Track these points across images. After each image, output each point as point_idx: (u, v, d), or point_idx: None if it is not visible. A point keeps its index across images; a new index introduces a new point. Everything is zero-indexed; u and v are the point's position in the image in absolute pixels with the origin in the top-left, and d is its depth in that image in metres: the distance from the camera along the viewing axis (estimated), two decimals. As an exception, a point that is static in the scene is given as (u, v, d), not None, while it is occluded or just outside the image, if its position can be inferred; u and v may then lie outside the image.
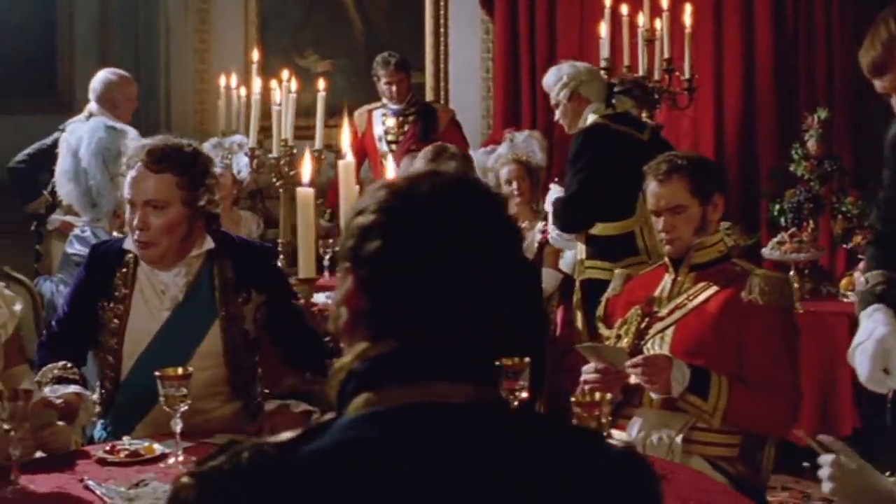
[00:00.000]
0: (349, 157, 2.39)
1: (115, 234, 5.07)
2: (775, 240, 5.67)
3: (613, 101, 5.61)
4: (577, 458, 1.48)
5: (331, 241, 6.12)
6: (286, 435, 1.43)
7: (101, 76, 5.88)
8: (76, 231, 5.05)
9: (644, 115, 6.09)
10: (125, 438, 3.14)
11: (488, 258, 1.48)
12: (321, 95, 5.81)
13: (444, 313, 1.46)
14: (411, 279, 1.45)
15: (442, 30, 7.60)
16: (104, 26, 7.49)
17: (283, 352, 3.59)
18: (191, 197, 3.37)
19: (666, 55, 6.14)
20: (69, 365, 3.37)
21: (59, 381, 3.31)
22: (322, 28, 7.76)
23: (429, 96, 7.52)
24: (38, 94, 7.52)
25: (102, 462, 2.95)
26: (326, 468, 1.38)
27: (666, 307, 3.41)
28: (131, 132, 5.13)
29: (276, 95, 6.42)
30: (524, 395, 3.00)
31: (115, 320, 3.44)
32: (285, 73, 5.84)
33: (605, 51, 6.17)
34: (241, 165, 6.22)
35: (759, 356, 3.21)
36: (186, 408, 2.98)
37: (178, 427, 2.96)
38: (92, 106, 5.73)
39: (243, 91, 6.79)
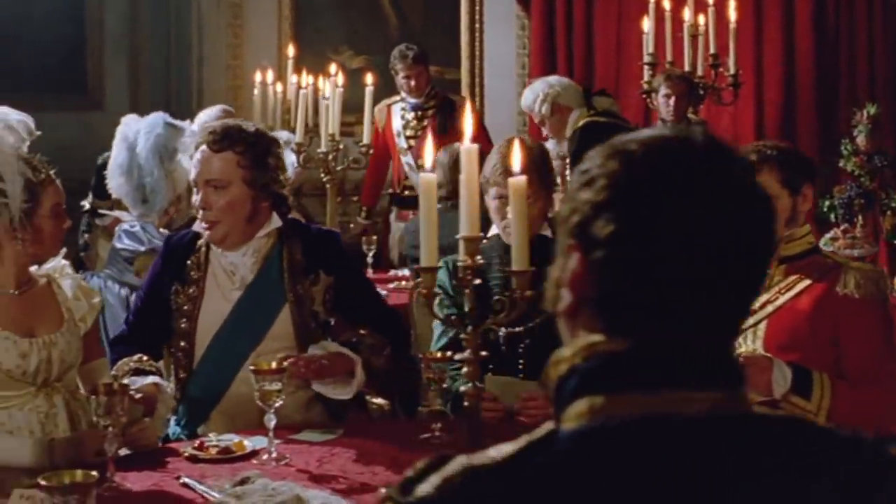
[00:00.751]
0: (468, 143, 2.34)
1: (162, 230, 4.99)
2: (828, 236, 5.63)
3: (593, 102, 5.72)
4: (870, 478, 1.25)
5: (374, 237, 6.06)
6: (499, 450, 1.23)
7: (214, 113, 5.86)
8: (125, 226, 4.95)
9: (689, 110, 6.08)
10: (211, 435, 3.07)
11: (746, 241, 1.26)
12: (369, 90, 5.78)
13: (694, 307, 1.25)
14: (656, 266, 1.24)
15: (477, 25, 7.55)
16: (134, 22, 7.41)
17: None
18: (252, 176, 3.34)
19: (711, 50, 6.10)
20: (145, 357, 3.31)
21: (136, 373, 3.24)
22: (356, 23, 7.70)
23: (464, 92, 7.48)
24: (68, 92, 7.44)
25: (193, 459, 2.89)
26: (554, 492, 1.18)
27: (756, 301, 3.34)
28: (188, 129, 5.06)
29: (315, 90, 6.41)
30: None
31: (189, 304, 3.40)
32: (333, 68, 5.78)
33: (649, 46, 6.13)
34: (287, 163, 6.13)
35: (859, 350, 3.15)
36: (281, 403, 2.92)
37: (272, 423, 2.90)
38: None
39: (279, 87, 6.74)
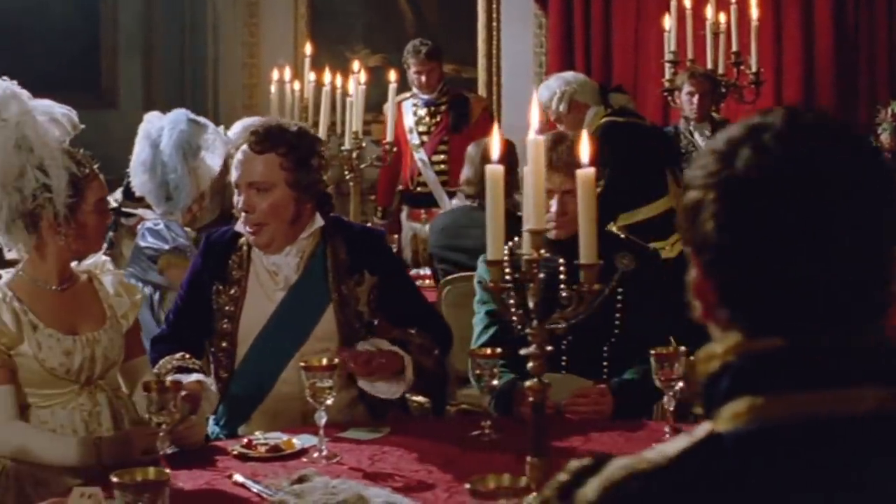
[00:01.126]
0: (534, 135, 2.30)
1: (186, 228, 4.94)
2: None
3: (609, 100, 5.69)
4: None
5: (395, 237, 6.02)
6: (660, 453, 1.20)
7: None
8: (148, 224, 4.89)
9: (712, 109, 6.06)
10: (257, 433, 3.02)
11: (883, 222, 1.22)
12: (392, 87, 5.74)
13: (843, 298, 1.20)
14: (794, 261, 1.19)
15: (494, 24, 7.51)
16: (149, 21, 7.35)
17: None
18: (296, 178, 3.28)
19: (734, 48, 6.07)
20: (187, 355, 3.27)
21: (179, 370, 3.20)
22: (372, 22, 7.66)
23: (481, 91, 7.44)
24: (82, 91, 7.37)
25: (243, 457, 2.84)
26: (723, 496, 1.16)
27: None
28: (211, 126, 5.01)
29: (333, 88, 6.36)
30: (679, 385, 2.91)
31: (231, 304, 3.35)
32: (356, 65, 5.74)
33: (671, 44, 6.10)
34: None
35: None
36: (332, 401, 2.87)
37: (322, 420, 2.86)
38: None
39: (297, 85, 6.70)
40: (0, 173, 2.91)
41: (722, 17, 6.18)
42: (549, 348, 2.41)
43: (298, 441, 2.93)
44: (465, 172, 5.03)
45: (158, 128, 4.98)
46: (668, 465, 1.18)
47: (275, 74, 6.68)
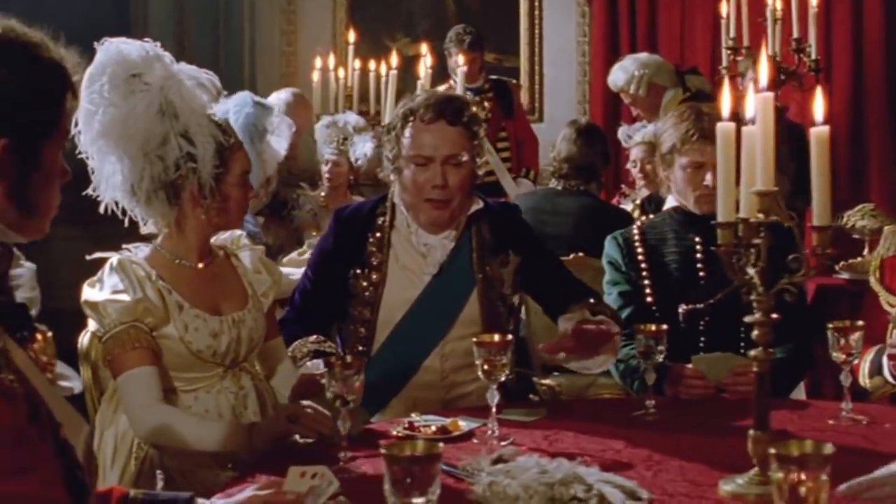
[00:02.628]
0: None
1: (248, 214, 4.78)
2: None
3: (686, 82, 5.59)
4: None
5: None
6: None
7: (285, 97, 5.67)
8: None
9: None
10: (413, 415, 2.87)
11: None
12: (427, 74, 5.57)
13: None
14: None
15: (537, 13, 7.40)
16: (181, 8, 7.14)
17: (549, 306, 3.33)
18: (475, 150, 3.19)
19: (794, 34, 5.97)
20: (322, 338, 3.11)
21: (316, 355, 3.05)
22: (413, 9, 7.51)
23: (523, 80, 7.33)
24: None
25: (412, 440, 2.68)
26: None
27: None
28: (276, 109, 4.86)
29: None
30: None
31: (371, 290, 3.19)
32: (424, 48, 5.61)
33: (731, 30, 5.99)
34: (360, 153, 5.94)
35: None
36: (505, 378, 2.73)
37: (494, 399, 2.71)
38: None
39: (341, 73, 6.56)
40: (142, 140, 2.73)
41: (779, 4, 6.08)
42: (774, 316, 2.28)
43: (464, 422, 2.79)
44: (561, 151, 4.88)
45: (223, 111, 4.81)
46: None
47: (317, 62, 6.54)
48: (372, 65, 6.48)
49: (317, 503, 2.00)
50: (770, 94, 2.25)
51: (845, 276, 5.35)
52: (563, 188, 4.83)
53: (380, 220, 3.25)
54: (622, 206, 5.77)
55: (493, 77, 6.76)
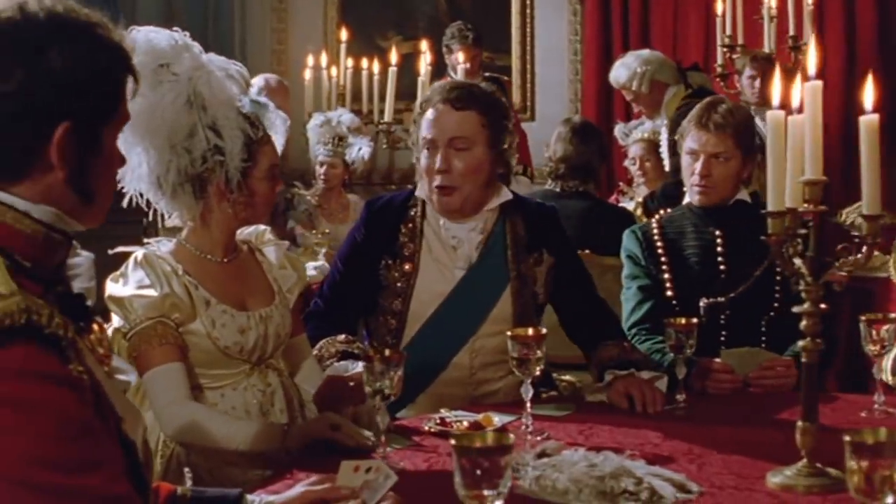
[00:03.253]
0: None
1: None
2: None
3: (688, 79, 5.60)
4: None
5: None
6: None
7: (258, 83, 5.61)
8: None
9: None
10: (442, 410, 2.83)
11: None
12: (427, 71, 5.57)
13: None
14: None
15: (528, 10, 7.39)
16: (170, 6, 7.06)
17: (569, 322, 3.31)
18: (494, 138, 3.14)
19: (790, 32, 5.99)
20: (351, 338, 3.07)
21: (344, 356, 3.00)
22: (405, 9, 7.47)
23: (514, 78, 7.32)
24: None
25: (446, 436, 2.64)
26: None
27: None
28: (272, 105, 4.81)
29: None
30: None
31: (403, 281, 3.15)
32: (424, 44, 5.59)
33: (728, 28, 6.00)
34: (357, 156, 5.90)
35: None
36: (539, 372, 2.69)
37: (529, 394, 2.67)
38: None
39: (334, 71, 6.53)
40: (169, 131, 2.67)
41: (774, 2, 6.10)
42: (823, 306, 2.26)
43: (497, 417, 2.75)
44: (557, 151, 4.84)
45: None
46: None
47: (309, 60, 6.50)
48: (364, 63, 6.45)
49: (374, 497, 1.95)
50: (819, 83, 2.22)
51: (843, 272, 5.36)
52: (562, 190, 4.79)
53: (412, 212, 3.22)
54: (621, 204, 5.76)
55: (488, 74, 6.69)
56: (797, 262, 2.25)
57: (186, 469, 2.68)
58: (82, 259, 4.13)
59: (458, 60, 6.39)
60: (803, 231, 2.26)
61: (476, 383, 3.18)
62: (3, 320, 1.48)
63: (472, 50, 6.46)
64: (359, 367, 2.81)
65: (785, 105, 2.24)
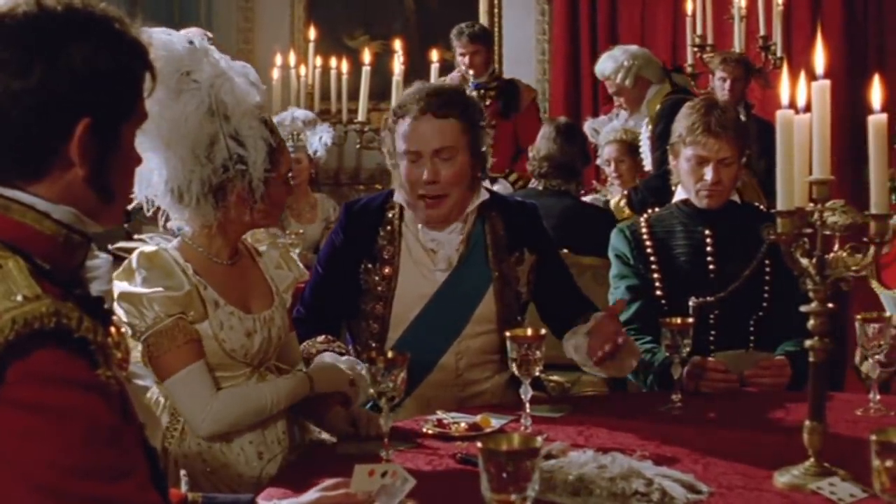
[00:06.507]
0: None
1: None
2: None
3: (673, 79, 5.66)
4: None
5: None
6: None
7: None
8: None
9: (744, 94, 6.05)
10: (439, 412, 2.81)
11: None
12: (435, 67, 5.56)
13: None
14: None
15: (496, 10, 7.37)
16: (134, 3, 6.96)
17: (551, 318, 3.29)
18: (474, 142, 3.09)
19: (761, 32, 6.03)
20: (331, 338, 3.02)
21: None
22: (372, 8, 7.43)
23: (482, 78, 7.26)
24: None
25: (445, 437, 2.63)
26: None
27: None
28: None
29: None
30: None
31: (383, 285, 3.12)
32: (398, 44, 5.56)
33: (698, 27, 6.04)
34: (317, 145, 5.89)
35: None
36: (538, 372, 2.68)
37: (528, 395, 2.66)
38: None
39: (303, 71, 6.49)
40: (190, 143, 2.56)
41: (743, 2, 6.13)
42: (831, 306, 2.26)
43: (495, 419, 2.73)
44: (541, 149, 4.84)
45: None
46: None
47: (277, 59, 6.45)
48: (333, 62, 6.41)
49: (392, 502, 1.92)
50: (826, 82, 2.23)
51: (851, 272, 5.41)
52: (545, 188, 4.79)
53: (390, 214, 3.18)
54: (591, 199, 5.75)
55: (507, 77, 6.72)
56: (804, 261, 2.25)
57: (183, 472, 2.63)
58: (101, 261, 4.03)
59: (461, 59, 6.39)
60: (809, 230, 2.26)
61: (462, 384, 3.16)
62: (31, 324, 1.43)
63: (471, 46, 6.42)
64: (349, 361, 2.80)
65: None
